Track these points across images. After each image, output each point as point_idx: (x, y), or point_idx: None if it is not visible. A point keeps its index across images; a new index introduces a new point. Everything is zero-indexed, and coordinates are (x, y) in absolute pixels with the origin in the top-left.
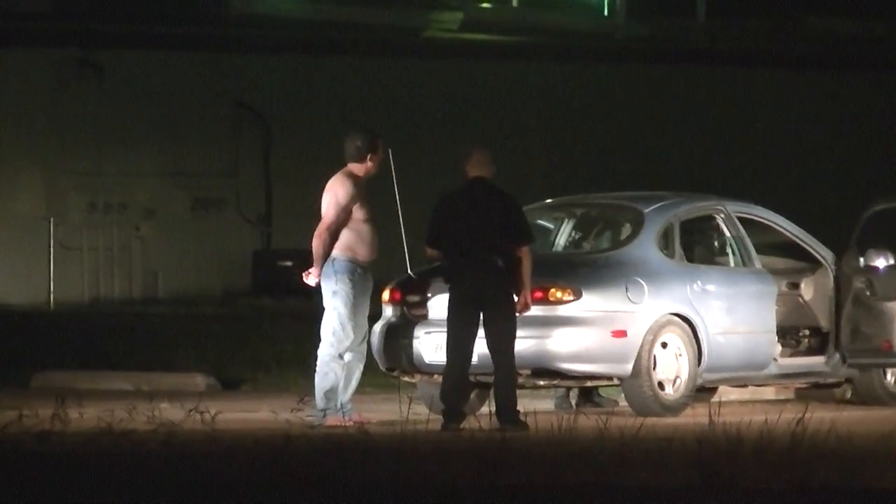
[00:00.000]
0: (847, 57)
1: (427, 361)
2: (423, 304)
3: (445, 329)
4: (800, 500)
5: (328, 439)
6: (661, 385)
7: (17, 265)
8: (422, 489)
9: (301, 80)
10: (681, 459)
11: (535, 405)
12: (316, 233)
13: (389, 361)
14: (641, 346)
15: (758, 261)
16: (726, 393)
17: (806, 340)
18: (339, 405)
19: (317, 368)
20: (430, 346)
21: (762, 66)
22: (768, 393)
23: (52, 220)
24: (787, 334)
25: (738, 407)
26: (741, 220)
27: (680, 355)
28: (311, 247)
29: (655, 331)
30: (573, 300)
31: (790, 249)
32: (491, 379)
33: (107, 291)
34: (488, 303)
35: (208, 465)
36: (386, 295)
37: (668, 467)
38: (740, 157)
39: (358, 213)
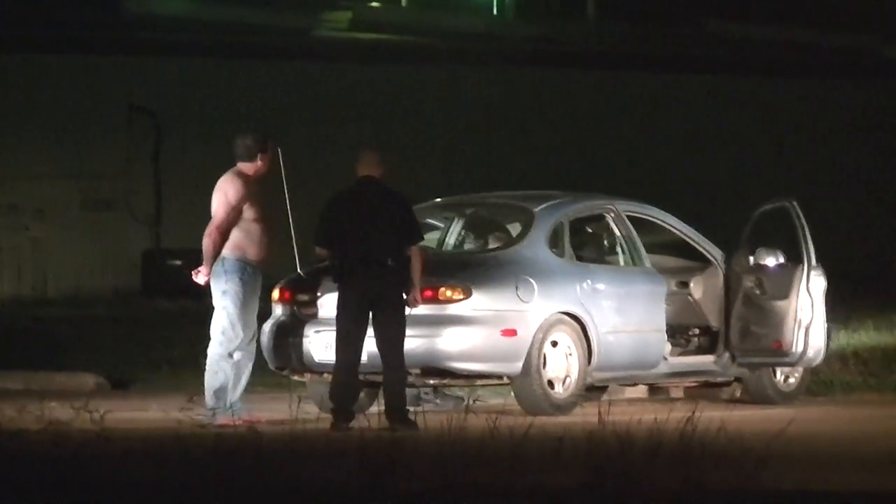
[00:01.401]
0: (742, 60)
1: (317, 360)
2: (312, 303)
3: (335, 328)
4: (696, 501)
5: (218, 439)
6: (550, 384)
7: None
8: (315, 491)
9: (192, 82)
10: (573, 459)
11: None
12: (206, 232)
13: (279, 360)
14: (531, 345)
15: (648, 260)
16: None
17: (696, 339)
18: (228, 404)
19: (206, 367)
20: (320, 345)
21: (652, 68)
22: (639, 391)
23: None
24: (676, 333)
25: (627, 406)
26: (631, 219)
27: (570, 354)
28: (202, 246)
29: (545, 330)
30: (463, 299)
31: (680, 248)
32: (380, 378)
33: None
34: (378, 302)
35: (99, 466)
36: (276, 294)
37: (562, 467)
38: (631, 158)
39: (248, 212)
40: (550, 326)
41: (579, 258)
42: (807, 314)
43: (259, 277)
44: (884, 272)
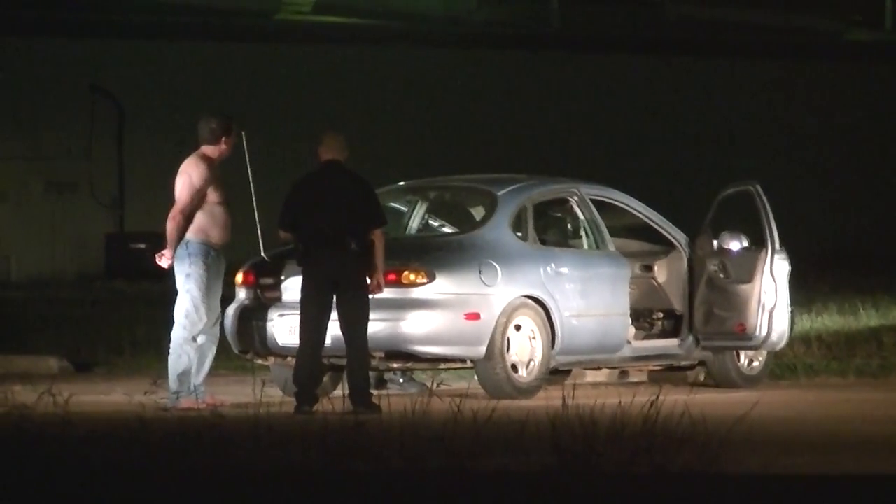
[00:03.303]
0: (704, 43)
1: (280, 344)
2: (276, 286)
3: (299, 312)
4: (660, 484)
5: (182, 422)
6: (514, 368)
7: None
8: (278, 474)
9: (155, 64)
10: (537, 443)
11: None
12: (170, 215)
13: (243, 344)
14: (495, 329)
15: (612, 243)
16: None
17: (660, 323)
18: (192, 388)
19: (170, 351)
20: (284, 328)
21: (616, 51)
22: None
23: None
24: (640, 317)
25: (590, 389)
26: (595, 202)
27: (533, 338)
28: (165, 229)
29: (509, 313)
30: (426, 283)
31: (644, 232)
32: (344, 362)
33: None
34: (342, 286)
35: (63, 449)
36: (239, 277)
37: (525, 451)
38: (594, 140)
39: (212, 195)
40: (514, 310)
41: (543, 242)
42: (770, 298)
43: (223, 261)
44: (847, 256)
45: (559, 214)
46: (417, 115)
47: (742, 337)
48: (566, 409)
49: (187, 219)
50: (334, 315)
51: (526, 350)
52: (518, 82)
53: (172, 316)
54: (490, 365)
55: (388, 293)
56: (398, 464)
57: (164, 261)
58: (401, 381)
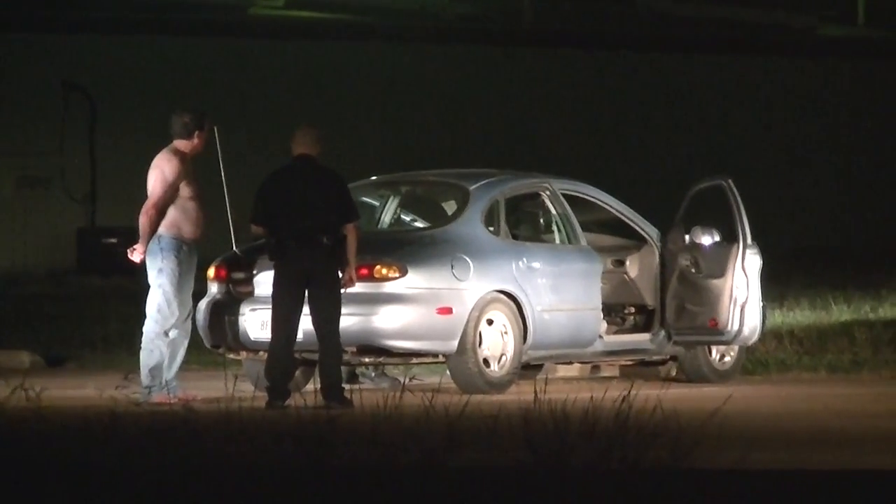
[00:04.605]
0: (677, 39)
1: (252, 339)
2: (248, 281)
3: (271, 306)
4: (632, 480)
5: (154, 417)
6: (486, 362)
7: None
8: (250, 469)
9: (127, 59)
10: (509, 438)
11: None
12: (143, 210)
13: (215, 339)
14: (467, 324)
15: (583, 238)
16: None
17: (631, 318)
18: (164, 382)
19: (142, 346)
20: (256, 323)
21: (589, 47)
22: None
23: None
24: (612, 311)
25: (562, 384)
26: (567, 197)
27: (505, 333)
28: (137, 224)
29: (481, 308)
30: (398, 277)
31: (616, 227)
32: (316, 356)
33: None
34: (314, 280)
35: (35, 444)
36: (211, 272)
37: (497, 446)
38: (565, 136)
39: (184, 190)
40: (486, 305)
41: (515, 236)
42: (742, 293)
43: (195, 255)
44: (820, 251)
45: (531, 209)
46: (391, 110)
47: (714, 332)
48: (538, 403)
49: (160, 213)
50: (306, 310)
51: (498, 345)
52: (492, 78)
53: (144, 311)
54: (462, 360)
55: (360, 288)
56: (370, 459)
57: (136, 255)
58: (372, 375)
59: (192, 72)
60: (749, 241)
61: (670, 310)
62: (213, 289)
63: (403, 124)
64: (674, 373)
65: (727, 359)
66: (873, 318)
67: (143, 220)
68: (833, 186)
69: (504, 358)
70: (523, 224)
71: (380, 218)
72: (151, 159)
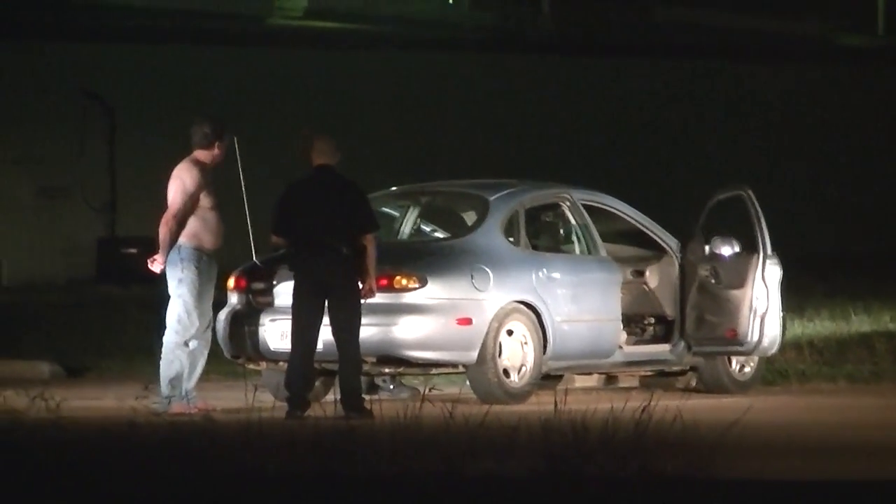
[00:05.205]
0: (695, 47)
1: (272, 349)
2: (268, 291)
3: (290, 317)
4: (652, 490)
5: (173, 427)
6: (506, 372)
7: None
8: (270, 480)
9: (146, 69)
10: (528, 448)
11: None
12: (163, 220)
13: (234, 349)
14: (486, 334)
15: (603, 249)
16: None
17: (651, 328)
18: (183, 392)
19: (162, 356)
20: (276, 333)
21: (606, 54)
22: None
23: None
24: (632, 322)
25: (582, 395)
26: (587, 207)
27: (525, 343)
28: (157, 234)
29: (500, 318)
30: (418, 287)
31: (635, 237)
32: (336, 367)
33: None
34: (333, 291)
35: (55, 454)
36: (231, 282)
37: (516, 456)
38: (586, 145)
39: (204, 200)
40: (506, 315)
41: (535, 247)
42: (762, 303)
43: (215, 266)
44: (839, 260)
45: (551, 219)
46: (409, 119)
47: (733, 342)
48: (558, 414)
49: (180, 224)
50: (326, 320)
51: (517, 355)
52: (510, 86)
53: (164, 321)
54: (482, 370)
55: (379, 298)
56: (390, 469)
57: (156, 265)
58: (391, 387)
59: (212, 81)
60: (769, 251)
61: (690, 320)
62: (233, 299)
63: (423, 134)
64: (693, 383)
65: (747, 369)
66: (893, 329)
67: (163, 231)
68: (854, 194)
69: (524, 368)
70: (543, 234)
71: (400, 228)
72: (171, 169)
